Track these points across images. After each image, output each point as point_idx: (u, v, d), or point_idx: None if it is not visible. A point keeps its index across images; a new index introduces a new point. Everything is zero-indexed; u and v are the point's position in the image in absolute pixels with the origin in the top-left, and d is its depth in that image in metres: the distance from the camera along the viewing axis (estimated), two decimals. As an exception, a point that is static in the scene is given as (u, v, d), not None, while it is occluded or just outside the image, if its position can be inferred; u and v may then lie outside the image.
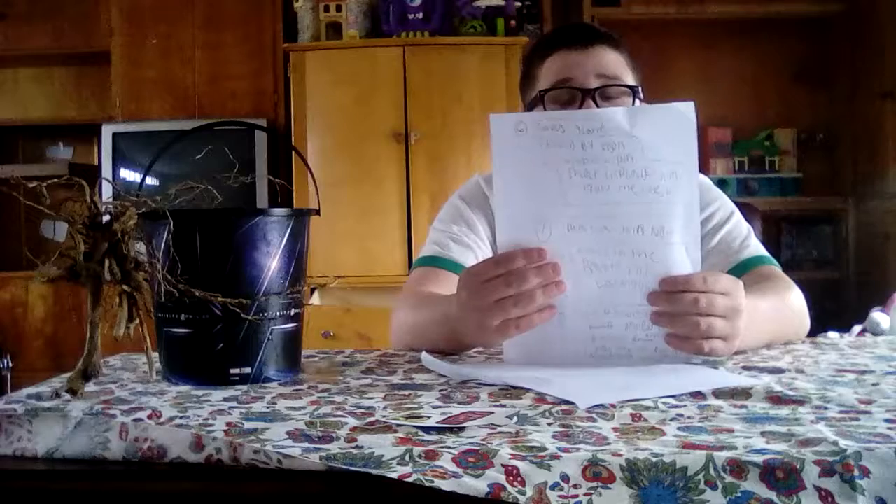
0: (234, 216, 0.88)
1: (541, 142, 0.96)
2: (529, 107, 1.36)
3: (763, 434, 0.65)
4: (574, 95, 1.28)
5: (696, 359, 0.96)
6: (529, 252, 0.95)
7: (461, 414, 0.72)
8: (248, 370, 0.88)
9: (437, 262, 1.34)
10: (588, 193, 0.96)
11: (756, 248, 1.32)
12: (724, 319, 0.94)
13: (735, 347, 0.97)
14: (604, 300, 0.97)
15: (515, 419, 0.71)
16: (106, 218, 0.81)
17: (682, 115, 0.95)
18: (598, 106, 1.27)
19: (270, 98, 3.68)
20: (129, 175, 3.57)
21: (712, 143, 3.76)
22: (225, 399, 0.80)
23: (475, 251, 1.35)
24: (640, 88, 1.31)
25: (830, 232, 3.78)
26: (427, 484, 0.56)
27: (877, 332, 2.12)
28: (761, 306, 1.05)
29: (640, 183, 0.95)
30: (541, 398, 0.79)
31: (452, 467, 0.58)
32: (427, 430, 0.67)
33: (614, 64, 1.31)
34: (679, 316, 0.94)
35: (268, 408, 0.76)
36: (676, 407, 0.75)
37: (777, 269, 1.30)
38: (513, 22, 3.51)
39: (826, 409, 0.73)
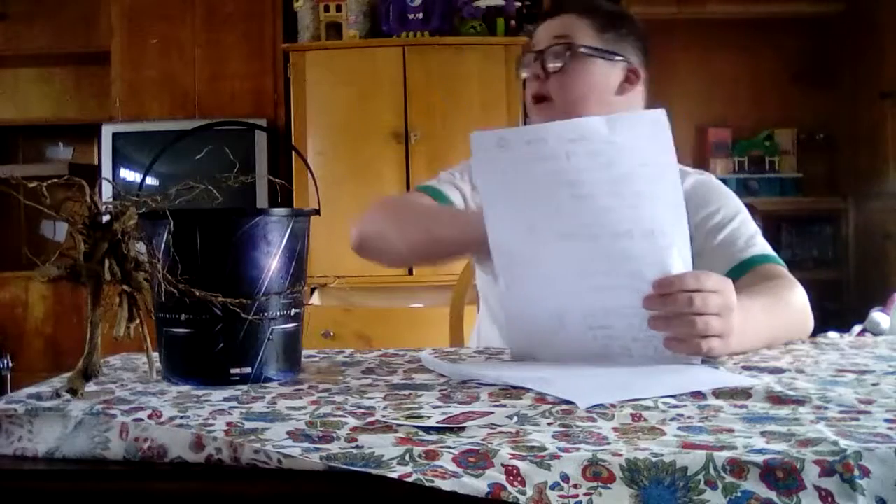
0: (234, 216, 0.88)
1: (525, 156, 0.97)
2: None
3: (763, 434, 0.65)
4: (531, 58, 1.42)
5: (694, 359, 0.96)
6: None
7: (461, 414, 0.72)
8: (248, 370, 0.88)
9: (429, 191, 1.46)
10: (576, 202, 0.96)
11: (762, 247, 1.31)
12: (719, 317, 0.94)
13: (731, 346, 0.97)
14: (602, 303, 0.98)
15: (515, 419, 0.71)
16: (106, 218, 0.81)
17: (655, 122, 0.95)
18: (544, 67, 1.38)
19: (270, 98, 3.67)
20: (129, 175, 3.57)
21: (712, 144, 3.76)
22: (225, 399, 0.80)
23: (463, 192, 1.46)
24: (574, 45, 1.38)
25: (830, 232, 3.78)
26: (427, 484, 0.56)
27: (877, 332, 2.12)
28: (754, 306, 1.05)
29: (626, 188, 0.95)
30: (541, 398, 0.79)
31: (452, 467, 0.58)
32: (427, 430, 0.67)
33: (571, 27, 1.41)
34: (675, 317, 0.94)
35: (268, 408, 0.76)
36: (676, 407, 0.75)
37: (782, 269, 1.28)
38: (513, 22, 3.51)
39: (826, 409, 0.73)
